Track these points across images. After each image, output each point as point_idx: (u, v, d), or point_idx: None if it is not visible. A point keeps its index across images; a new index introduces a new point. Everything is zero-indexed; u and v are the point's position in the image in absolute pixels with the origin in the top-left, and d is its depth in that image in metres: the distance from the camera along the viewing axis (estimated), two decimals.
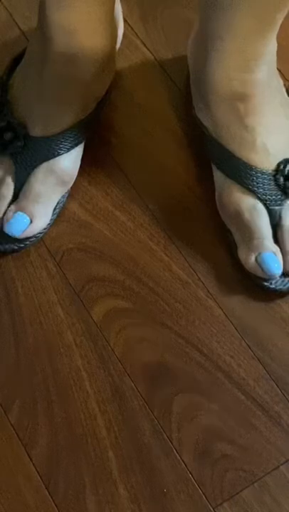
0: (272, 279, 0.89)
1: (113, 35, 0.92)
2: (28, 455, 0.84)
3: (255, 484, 0.82)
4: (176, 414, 0.85)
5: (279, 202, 0.89)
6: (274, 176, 0.89)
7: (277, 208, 0.89)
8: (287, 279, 0.89)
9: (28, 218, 0.90)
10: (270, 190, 0.89)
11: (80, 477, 0.83)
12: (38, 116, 0.91)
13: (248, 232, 0.89)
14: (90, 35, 0.88)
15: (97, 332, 0.89)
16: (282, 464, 0.83)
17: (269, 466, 0.83)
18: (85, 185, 0.96)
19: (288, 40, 1.01)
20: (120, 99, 1.00)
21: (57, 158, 0.90)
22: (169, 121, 0.99)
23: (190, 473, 0.83)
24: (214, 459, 0.83)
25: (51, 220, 0.92)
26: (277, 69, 0.93)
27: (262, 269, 0.88)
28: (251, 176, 0.89)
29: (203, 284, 0.91)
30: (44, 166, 0.90)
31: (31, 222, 0.90)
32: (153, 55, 1.03)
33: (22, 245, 0.91)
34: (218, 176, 0.92)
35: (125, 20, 1.05)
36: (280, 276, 0.89)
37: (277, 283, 0.89)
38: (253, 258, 0.88)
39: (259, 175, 0.89)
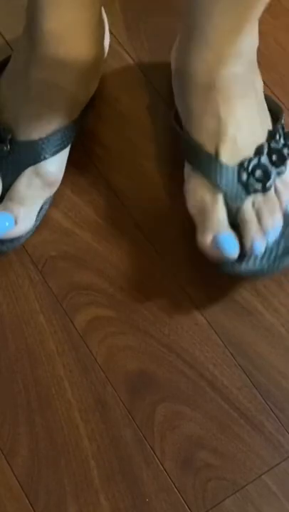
0: (231, 262, 0.88)
1: (99, 42, 0.92)
2: (9, 464, 0.83)
3: (238, 493, 0.82)
4: (158, 423, 0.85)
5: (240, 198, 0.89)
6: (238, 171, 0.90)
7: (237, 201, 0.89)
8: (251, 261, 0.89)
9: (12, 218, 0.89)
10: (233, 184, 0.89)
11: (62, 487, 0.82)
12: (24, 121, 0.91)
13: (208, 218, 0.89)
14: (76, 40, 0.88)
15: (80, 341, 0.88)
16: (264, 473, 0.83)
17: (252, 475, 0.83)
18: (68, 194, 0.95)
19: (270, 48, 1.02)
20: (103, 107, 1.00)
21: (42, 162, 0.91)
22: (151, 129, 0.99)
23: (172, 482, 0.82)
24: (196, 468, 0.83)
25: (34, 225, 0.92)
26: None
27: (218, 250, 0.88)
28: (216, 168, 0.89)
29: (187, 292, 0.91)
30: (30, 169, 0.90)
31: (15, 223, 0.90)
32: (136, 63, 1.03)
33: (4, 248, 0.90)
34: (187, 168, 0.92)
35: (109, 29, 1.05)
36: (246, 261, 0.88)
37: (243, 266, 0.88)
38: (209, 239, 0.88)
39: (224, 167, 0.89)
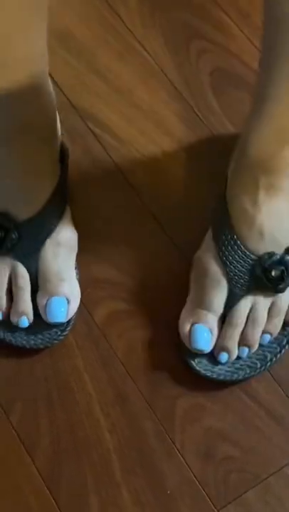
0: (201, 358, 0.85)
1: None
2: (31, 457, 0.83)
3: (259, 486, 0.82)
4: (179, 416, 0.85)
5: (244, 288, 0.84)
6: (253, 263, 0.84)
7: (238, 292, 0.84)
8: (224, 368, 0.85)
9: (64, 300, 0.86)
10: (243, 273, 0.84)
11: (83, 479, 0.82)
12: (18, 200, 0.87)
13: (200, 300, 0.85)
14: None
15: (99, 334, 0.88)
16: (285, 465, 0.83)
17: (273, 467, 0.83)
18: (85, 188, 0.95)
19: None
20: (119, 100, 1.00)
21: (55, 230, 0.87)
22: (167, 123, 0.99)
23: (194, 475, 0.82)
24: (218, 460, 0.83)
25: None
26: None
27: (190, 340, 0.84)
28: (232, 249, 0.84)
29: None
30: (48, 243, 0.86)
31: (68, 302, 0.86)
32: (152, 57, 1.03)
33: (65, 332, 0.87)
34: (208, 235, 0.88)
35: (125, 25, 1.05)
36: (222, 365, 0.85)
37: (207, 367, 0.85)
38: (188, 326, 0.85)
39: (239, 253, 0.84)
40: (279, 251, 0.85)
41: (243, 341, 0.85)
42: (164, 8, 1.07)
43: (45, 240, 0.87)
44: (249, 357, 0.86)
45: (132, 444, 0.84)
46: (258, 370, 0.85)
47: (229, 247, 0.85)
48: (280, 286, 0.84)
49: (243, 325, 0.85)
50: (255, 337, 0.85)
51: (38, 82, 0.83)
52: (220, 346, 0.85)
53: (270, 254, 0.84)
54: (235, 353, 0.85)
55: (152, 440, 0.84)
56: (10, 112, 0.84)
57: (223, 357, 0.85)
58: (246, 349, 0.85)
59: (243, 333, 0.85)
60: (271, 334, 0.85)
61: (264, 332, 0.85)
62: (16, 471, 0.82)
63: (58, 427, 0.84)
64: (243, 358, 0.85)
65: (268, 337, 0.85)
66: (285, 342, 0.86)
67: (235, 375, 0.85)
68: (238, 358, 0.85)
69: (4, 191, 0.87)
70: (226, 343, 0.84)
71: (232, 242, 0.85)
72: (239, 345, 0.85)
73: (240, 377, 0.85)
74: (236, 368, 0.85)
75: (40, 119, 0.86)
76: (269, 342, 0.86)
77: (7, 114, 0.84)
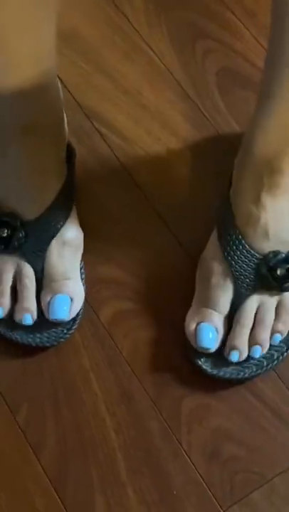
0: (207, 357, 0.85)
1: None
2: (37, 457, 0.83)
3: (265, 486, 0.82)
4: (185, 416, 0.85)
5: (250, 287, 0.84)
6: (258, 262, 0.84)
7: (244, 291, 0.84)
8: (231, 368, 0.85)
9: (68, 298, 0.86)
10: (248, 272, 0.84)
11: (89, 479, 0.82)
12: (24, 199, 0.87)
13: (206, 299, 0.86)
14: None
15: (105, 334, 0.88)
16: None
17: (278, 467, 0.83)
18: (90, 187, 0.96)
19: None
20: (125, 100, 1.00)
21: (62, 229, 0.87)
22: (173, 122, 0.99)
23: (200, 475, 0.83)
24: (224, 460, 0.83)
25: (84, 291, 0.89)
26: None
27: (195, 339, 0.84)
28: (237, 248, 0.85)
29: None
30: (54, 243, 0.87)
31: (72, 301, 0.86)
32: (158, 57, 1.03)
33: (71, 331, 0.87)
34: (214, 235, 0.88)
35: (131, 25, 1.05)
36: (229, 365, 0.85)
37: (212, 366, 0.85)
38: (194, 325, 0.85)
39: (244, 252, 0.84)
40: (284, 250, 0.85)
41: (253, 341, 0.85)
42: (169, 8, 1.07)
43: (52, 239, 0.87)
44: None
45: (138, 444, 0.84)
46: (264, 368, 0.85)
47: (234, 247, 0.85)
48: (286, 285, 0.84)
49: (251, 324, 0.85)
50: (265, 336, 0.84)
51: (44, 81, 0.83)
52: (229, 345, 0.85)
53: (275, 253, 0.85)
54: (245, 352, 0.85)
55: (158, 440, 0.84)
56: (16, 111, 0.84)
57: (234, 356, 0.84)
58: (258, 347, 0.84)
59: (252, 333, 0.85)
60: (281, 334, 0.85)
61: (274, 332, 0.85)
62: (22, 470, 0.82)
63: (64, 426, 0.84)
64: (256, 358, 0.85)
65: (278, 337, 0.85)
66: None
67: (242, 373, 0.85)
68: (249, 357, 0.85)
69: (11, 190, 0.87)
70: (235, 342, 0.84)
71: (237, 242, 0.85)
72: (250, 344, 0.85)
73: (247, 376, 0.85)
74: (242, 367, 0.85)
75: (47, 118, 0.86)
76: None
77: (13, 113, 0.84)
